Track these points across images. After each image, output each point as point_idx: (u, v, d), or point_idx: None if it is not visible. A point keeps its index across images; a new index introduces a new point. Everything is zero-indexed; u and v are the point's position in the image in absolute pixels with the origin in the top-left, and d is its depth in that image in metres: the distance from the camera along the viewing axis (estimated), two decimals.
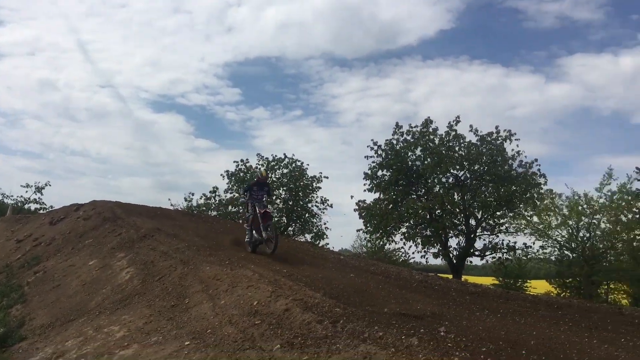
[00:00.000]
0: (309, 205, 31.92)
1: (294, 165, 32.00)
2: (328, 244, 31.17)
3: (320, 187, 31.96)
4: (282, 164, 32.01)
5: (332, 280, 10.24)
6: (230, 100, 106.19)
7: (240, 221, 13.31)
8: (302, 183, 31.67)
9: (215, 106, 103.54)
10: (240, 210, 30.46)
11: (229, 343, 7.06)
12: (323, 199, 31.97)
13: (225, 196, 32.05)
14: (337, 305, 7.58)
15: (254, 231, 12.88)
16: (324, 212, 31.87)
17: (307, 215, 31.84)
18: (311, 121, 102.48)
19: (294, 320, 7.14)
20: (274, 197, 12.85)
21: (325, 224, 31.97)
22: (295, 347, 6.47)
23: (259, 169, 12.31)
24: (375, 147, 28.34)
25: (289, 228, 32.32)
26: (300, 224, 32.17)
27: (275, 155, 32.33)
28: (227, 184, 31.96)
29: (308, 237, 31.63)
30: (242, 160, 32.18)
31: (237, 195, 31.71)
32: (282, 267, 11.21)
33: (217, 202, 32.15)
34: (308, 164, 32.94)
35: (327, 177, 32.13)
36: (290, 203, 31.66)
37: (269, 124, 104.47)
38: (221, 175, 32.15)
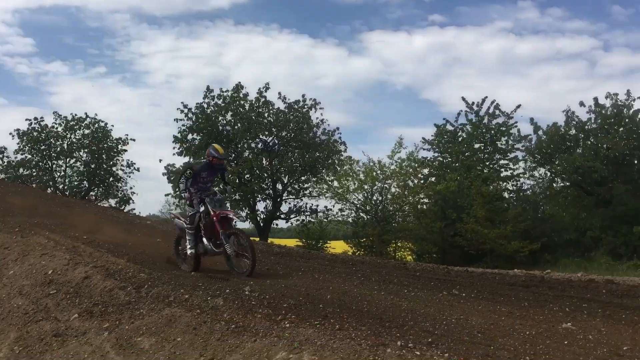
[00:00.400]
0: (114, 168, 30.62)
1: (96, 126, 30.38)
2: (134, 209, 30.37)
3: (126, 150, 30.99)
4: (83, 125, 30.13)
5: (138, 245, 10.01)
6: (21, 52, 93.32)
7: (171, 215, 11.07)
8: (105, 145, 30.18)
9: (3, 57, 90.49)
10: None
11: (19, 315, 6.58)
12: (129, 162, 30.82)
13: (16, 157, 29.26)
14: (141, 271, 7.46)
15: (204, 239, 8.55)
16: (130, 176, 30.87)
17: (111, 179, 30.49)
18: (117, 80, 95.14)
19: (94, 288, 6.88)
20: (228, 184, 9.57)
21: (131, 188, 31.13)
22: (95, 315, 6.27)
23: (212, 145, 8.16)
24: (186, 110, 27.97)
25: (91, 193, 30.87)
26: (103, 188, 30.81)
27: (75, 115, 30.24)
28: (18, 144, 29.19)
29: (112, 202, 30.41)
30: (35, 119, 29.68)
31: (29, 157, 28.98)
32: (82, 234, 10.60)
33: (5, 164, 29.22)
34: (113, 125, 31.94)
35: (134, 140, 31.14)
36: (93, 166, 30.00)
37: (67, 80, 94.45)
38: (10, 134, 29.27)
